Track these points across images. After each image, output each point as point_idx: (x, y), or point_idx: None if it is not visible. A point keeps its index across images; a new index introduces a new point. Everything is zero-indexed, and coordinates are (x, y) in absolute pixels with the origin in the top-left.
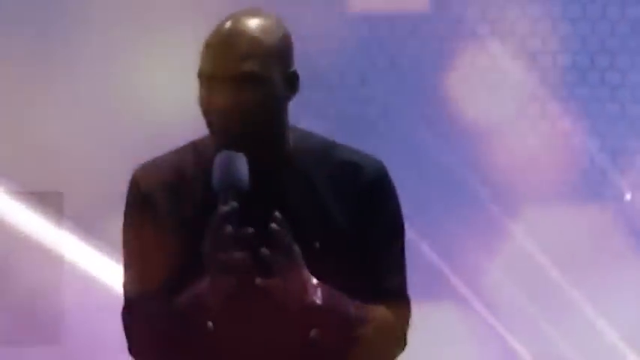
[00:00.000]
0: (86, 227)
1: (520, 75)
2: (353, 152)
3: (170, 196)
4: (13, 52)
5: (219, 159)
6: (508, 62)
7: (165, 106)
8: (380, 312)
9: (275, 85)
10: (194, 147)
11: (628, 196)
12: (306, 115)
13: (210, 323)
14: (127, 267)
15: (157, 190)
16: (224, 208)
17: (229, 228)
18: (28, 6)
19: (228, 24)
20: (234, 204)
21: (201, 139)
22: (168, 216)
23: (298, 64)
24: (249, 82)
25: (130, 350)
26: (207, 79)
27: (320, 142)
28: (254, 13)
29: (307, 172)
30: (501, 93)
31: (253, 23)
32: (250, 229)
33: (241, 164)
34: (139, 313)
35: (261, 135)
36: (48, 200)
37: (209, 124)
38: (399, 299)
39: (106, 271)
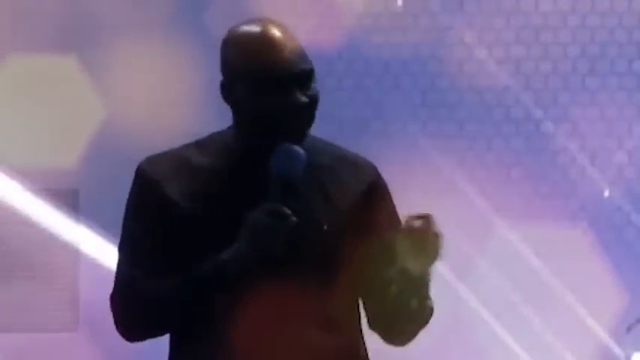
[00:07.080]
0: (101, 224)
1: (505, 80)
2: (349, 151)
3: (172, 184)
4: (40, 46)
5: (280, 150)
6: (494, 68)
7: (181, 105)
8: None
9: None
10: (197, 144)
11: (606, 193)
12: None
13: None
14: (127, 250)
15: (160, 178)
16: (271, 204)
17: (270, 218)
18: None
19: (263, 28)
20: (281, 196)
21: (203, 138)
22: (170, 203)
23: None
24: (308, 79)
25: (118, 326)
26: (261, 79)
27: (321, 140)
28: (269, 19)
29: (315, 164)
30: (488, 97)
31: (283, 28)
32: (294, 220)
33: (299, 158)
34: (134, 289)
35: (307, 130)
36: (64, 197)
37: (254, 122)
38: None
39: None
